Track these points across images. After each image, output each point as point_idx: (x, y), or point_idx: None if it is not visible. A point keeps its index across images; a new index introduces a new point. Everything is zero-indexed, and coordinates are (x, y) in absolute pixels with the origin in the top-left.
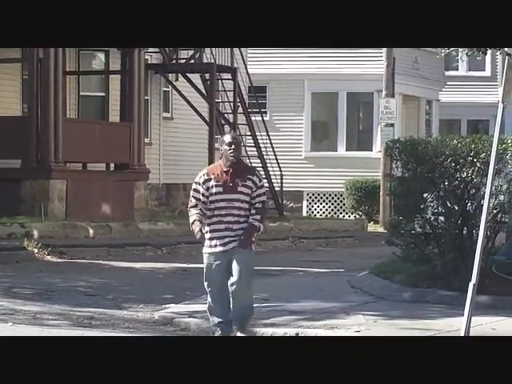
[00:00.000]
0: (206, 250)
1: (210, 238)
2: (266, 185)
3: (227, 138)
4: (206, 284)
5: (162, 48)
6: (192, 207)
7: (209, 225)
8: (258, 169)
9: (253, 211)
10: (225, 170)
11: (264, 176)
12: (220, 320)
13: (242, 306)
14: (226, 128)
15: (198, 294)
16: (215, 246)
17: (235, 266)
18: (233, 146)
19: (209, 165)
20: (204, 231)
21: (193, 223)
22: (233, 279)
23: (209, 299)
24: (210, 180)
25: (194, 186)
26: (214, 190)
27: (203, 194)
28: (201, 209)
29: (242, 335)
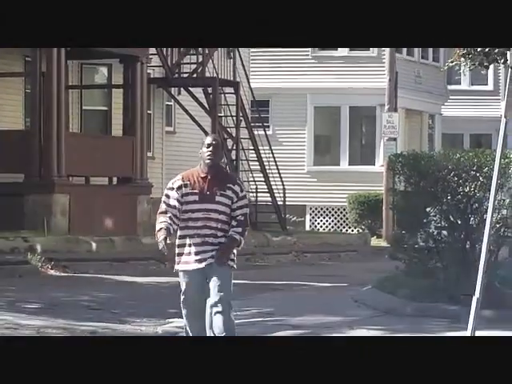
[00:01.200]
0: (179, 267)
1: (185, 253)
2: (267, 196)
3: (207, 139)
4: (181, 305)
5: (164, 62)
6: (161, 213)
7: (182, 237)
8: (261, 183)
9: (234, 223)
10: (202, 176)
11: (267, 190)
12: None
13: (221, 333)
14: (229, 142)
15: None
16: (190, 262)
17: (213, 287)
18: (211, 148)
19: None
20: (168, 241)
21: (158, 231)
22: (211, 302)
23: (184, 321)
24: (185, 186)
25: (166, 191)
26: (189, 199)
27: (178, 200)
28: (170, 217)
29: None
